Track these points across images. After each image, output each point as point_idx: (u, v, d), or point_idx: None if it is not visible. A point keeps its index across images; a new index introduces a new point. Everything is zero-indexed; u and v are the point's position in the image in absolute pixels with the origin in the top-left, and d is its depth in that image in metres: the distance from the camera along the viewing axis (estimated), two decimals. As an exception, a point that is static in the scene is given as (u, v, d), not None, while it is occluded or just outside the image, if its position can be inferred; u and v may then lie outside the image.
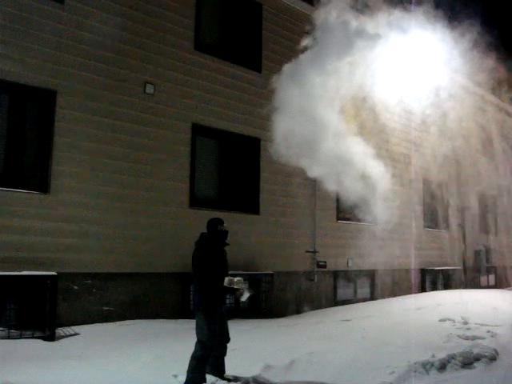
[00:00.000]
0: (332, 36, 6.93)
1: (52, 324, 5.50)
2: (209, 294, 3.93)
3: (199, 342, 3.92)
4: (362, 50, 6.97)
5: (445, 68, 10.08)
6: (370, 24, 7.51)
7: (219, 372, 4.10)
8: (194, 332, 4.04)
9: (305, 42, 7.56)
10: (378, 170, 9.48)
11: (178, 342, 5.18)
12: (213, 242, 4.10)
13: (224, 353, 4.15)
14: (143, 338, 5.60)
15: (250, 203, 8.38)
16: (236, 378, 4.06)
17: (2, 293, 5.51)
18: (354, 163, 7.79)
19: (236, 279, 3.87)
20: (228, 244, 4.22)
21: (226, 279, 3.85)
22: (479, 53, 10.13)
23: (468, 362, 4.75)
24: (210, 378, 4.01)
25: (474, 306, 7.82)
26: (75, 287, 6.22)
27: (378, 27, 7.44)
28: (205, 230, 4.25)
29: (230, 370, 4.23)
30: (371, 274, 10.67)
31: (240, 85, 8.40)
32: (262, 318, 7.70)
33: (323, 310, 8.86)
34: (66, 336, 5.60)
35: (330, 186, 7.45)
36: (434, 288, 12.14)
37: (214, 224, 4.17)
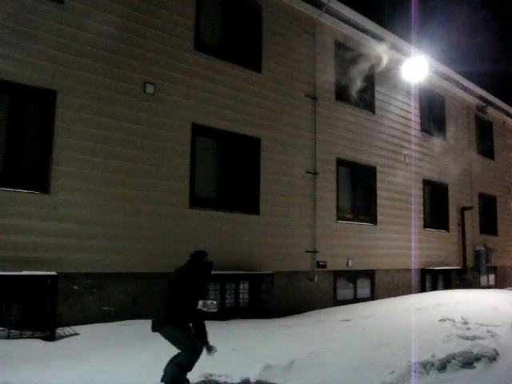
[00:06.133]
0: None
1: (52, 324, 5.50)
2: (180, 313, 3.89)
3: (184, 352, 3.82)
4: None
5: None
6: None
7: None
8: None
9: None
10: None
11: (178, 341, 5.17)
12: (196, 271, 4.08)
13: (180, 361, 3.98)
14: (143, 338, 5.58)
15: (250, 203, 8.39)
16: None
17: (2, 293, 5.51)
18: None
19: (209, 302, 3.93)
20: (210, 274, 4.22)
21: (200, 302, 3.91)
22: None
23: (468, 361, 4.76)
24: None
25: (474, 306, 7.82)
26: (75, 287, 6.23)
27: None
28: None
29: (230, 370, 4.23)
30: (371, 274, 10.68)
31: (240, 85, 8.40)
32: (261, 317, 7.70)
33: (323, 309, 8.86)
34: (66, 336, 5.60)
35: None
36: (434, 288, 12.15)
37: (199, 256, 4.15)
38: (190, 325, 4.00)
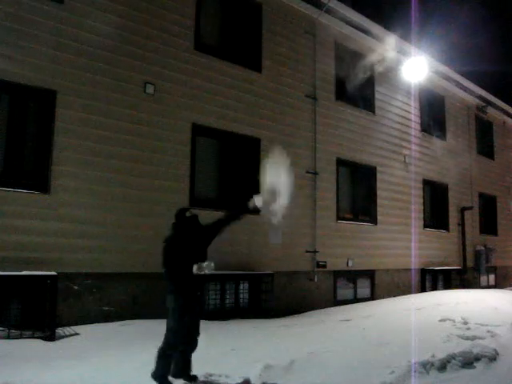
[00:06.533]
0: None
1: (52, 324, 5.50)
2: (181, 280, 3.85)
3: (167, 331, 3.85)
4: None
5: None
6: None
7: (185, 371, 3.99)
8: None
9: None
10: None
11: (178, 341, 5.18)
12: (183, 229, 4.02)
13: (193, 348, 4.03)
14: (143, 338, 5.59)
15: (249, 203, 8.37)
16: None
17: (2, 293, 5.51)
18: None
19: (205, 264, 3.79)
20: (200, 226, 4.10)
21: (195, 266, 3.78)
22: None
23: (468, 361, 4.75)
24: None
25: (474, 306, 7.82)
26: (75, 287, 6.23)
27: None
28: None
29: (230, 370, 4.23)
30: (371, 274, 10.68)
31: (240, 85, 8.40)
32: (262, 317, 7.70)
33: (323, 309, 8.86)
34: (66, 336, 5.60)
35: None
36: (434, 288, 12.15)
37: (182, 213, 4.09)
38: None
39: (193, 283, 3.91)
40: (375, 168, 11.02)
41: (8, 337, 5.22)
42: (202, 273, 3.80)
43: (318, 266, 9.28)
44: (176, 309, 3.88)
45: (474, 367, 4.70)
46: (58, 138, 6.23)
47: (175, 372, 3.98)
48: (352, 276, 10.22)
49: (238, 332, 6.28)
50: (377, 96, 11.29)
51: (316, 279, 9.22)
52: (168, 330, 3.88)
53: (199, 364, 4.12)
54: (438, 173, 13.09)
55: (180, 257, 3.85)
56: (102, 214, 6.52)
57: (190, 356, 4.06)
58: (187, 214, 4.07)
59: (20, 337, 5.27)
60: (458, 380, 4.36)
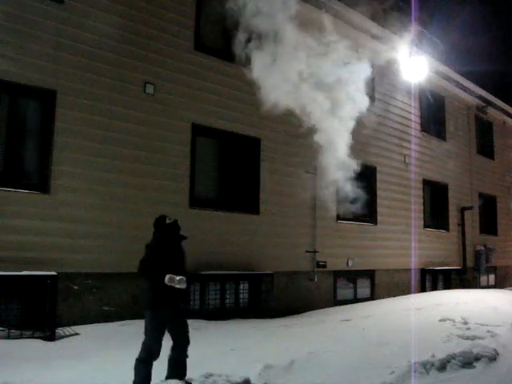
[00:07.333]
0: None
1: (52, 324, 5.50)
2: (157, 293, 3.80)
3: (143, 344, 3.83)
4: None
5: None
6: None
7: (179, 375, 3.93)
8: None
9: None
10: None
11: (178, 341, 5.18)
12: (163, 238, 3.97)
13: (181, 355, 3.93)
14: (143, 338, 5.59)
15: (250, 203, 8.38)
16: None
17: (2, 293, 5.51)
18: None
19: (178, 278, 3.67)
20: (184, 237, 4.05)
21: (167, 277, 3.67)
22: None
23: (468, 361, 4.76)
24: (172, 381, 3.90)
25: (474, 306, 7.82)
26: (75, 287, 6.23)
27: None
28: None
29: (230, 370, 4.23)
30: (371, 274, 10.67)
31: (240, 85, 8.39)
32: (261, 317, 7.70)
33: (323, 309, 8.86)
34: (66, 336, 5.60)
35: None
36: (434, 288, 12.15)
37: (161, 220, 4.00)
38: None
39: (168, 297, 3.80)
40: (375, 168, 11.02)
41: (8, 337, 5.22)
42: (173, 285, 3.68)
43: (318, 266, 9.27)
44: (147, 325, 3.85)
45: (474, 367, 4.71)
46: (57, 138, 6.22)
47: (168, 375, 3.94)
48: (352, 276, 10.21)
49: (238, 332, 6.28)
50: (377, 96, 11.27)
51: (316, 279, 9.21)
52: (142, 342, 3.85)
53: (199, 364, 4.12)
54: (437, 173, 13.09)
55: (158, 265, 3.79)
56: (102, 214, 6.52)
57: (182, 361, 3.96)
58: (167, 220, 3.98)
59: (20, 337, 5.27)
60: (457, 380, 4.37)
